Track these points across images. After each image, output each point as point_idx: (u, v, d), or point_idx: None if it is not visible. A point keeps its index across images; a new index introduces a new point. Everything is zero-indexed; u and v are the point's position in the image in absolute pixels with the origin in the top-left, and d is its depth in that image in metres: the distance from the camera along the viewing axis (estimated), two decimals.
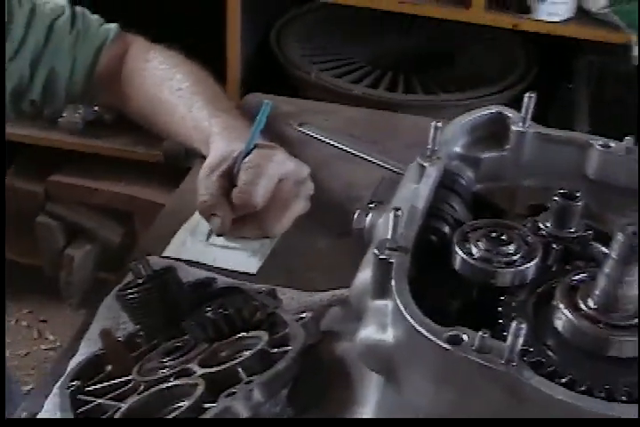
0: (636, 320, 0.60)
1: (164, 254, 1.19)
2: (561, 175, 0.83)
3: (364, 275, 0.71)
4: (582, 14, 1.97)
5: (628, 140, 0.80)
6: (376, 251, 0.67)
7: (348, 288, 1.05)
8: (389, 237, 0.67)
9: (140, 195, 2.29)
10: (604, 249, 0.74)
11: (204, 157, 1.23)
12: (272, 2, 2.08)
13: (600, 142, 0.81)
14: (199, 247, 1.22)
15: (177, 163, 2.17)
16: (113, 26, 1.31)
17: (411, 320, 0.61)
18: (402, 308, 0.62)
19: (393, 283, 0.64)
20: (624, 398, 0.58)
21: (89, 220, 2.37)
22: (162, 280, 0.94)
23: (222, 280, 1.06)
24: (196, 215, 1.27)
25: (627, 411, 0.56)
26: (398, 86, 2.15)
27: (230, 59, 2.07)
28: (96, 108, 2.25)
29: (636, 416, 0.56)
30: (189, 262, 1.16)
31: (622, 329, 0.60)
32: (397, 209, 0.66)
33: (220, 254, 1.20)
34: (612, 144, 0.81)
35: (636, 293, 0.60)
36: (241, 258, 1.19)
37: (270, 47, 2.16)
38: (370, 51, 2.29)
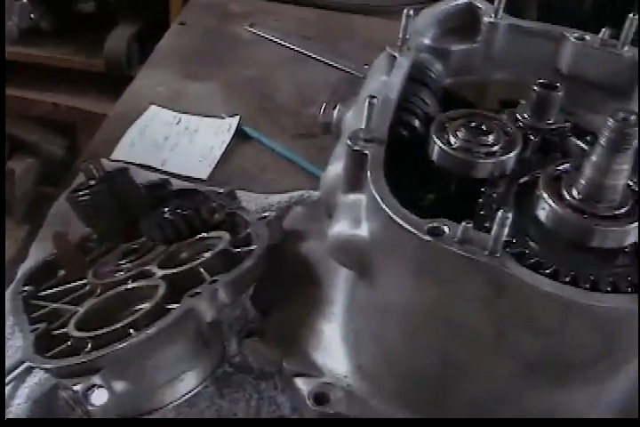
0: (622, 210, 0.58)
1: (113, 157, 1.15)
2: (533, 69, 0.80)
3: (335, 169, 0.68)
4: None
5: (604, 31, 0.78)
6: (349, 142, 0.64)
7: (305, 190, 1.03)
8: (363, 127, 0.64)
9: (81, 106, 2.21)
10: (579, 143, 0.72)
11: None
12: None
13: (575, 35, 0.78)
14: (148, 150, 1.18)
15: (118, 72, 2.10)
16: None
17: (389, 212, 0.59)
18: (379, 199, 0.59)
19: (369, 175, 0.61)
20: (609, 288, 0.56)
21: (30, 133, 2.29)
22: (115, 181, 0.90)
23: (177, 182, 1.03)
24: (145, 117, 1.23)
25: (610, 300, 0.55)
26: None
27: None
28: (32, 15, 2.15)
29: (619, 306, 0.55)
30: (136, 165, 1.12)
31: (607, 219, 0.58)
32: (373, 97, 0.63)
33: (169, 157, 1.16)
34: (588, 37, 0.78)
35: (623, 182, 0.58)
36: (191, 162, 1.16)
37: None
38: None
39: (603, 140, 0.56)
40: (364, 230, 0.64)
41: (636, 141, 0.56)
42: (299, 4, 1.55)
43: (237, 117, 1.21)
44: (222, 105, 1.24)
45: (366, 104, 0.63)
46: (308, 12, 1.50)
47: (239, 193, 0.95)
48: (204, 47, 1.38)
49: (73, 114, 2.25)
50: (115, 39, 2.12)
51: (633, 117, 0.55)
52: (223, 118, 1.22)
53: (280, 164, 1.14)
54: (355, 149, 0.63)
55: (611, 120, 0.56)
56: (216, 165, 1.14)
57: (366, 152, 0.63)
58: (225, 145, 1.17)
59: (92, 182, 0.90)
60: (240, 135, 1.19)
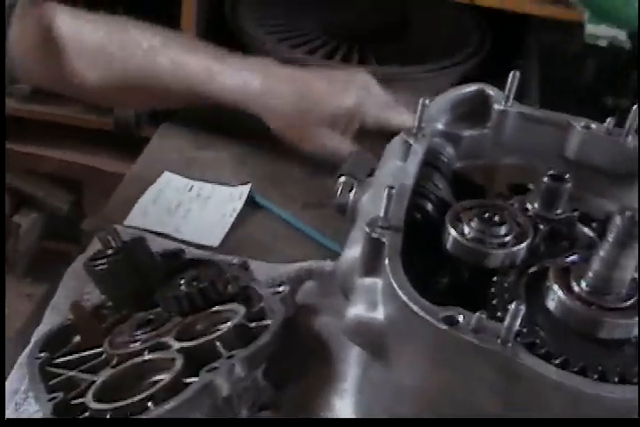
0: (629, 302, 0.61)
1: (126, 223, 1.17)
2: (541, 155, 0.83)
3: (352, 252, 0.71)
4: None
5: (609, 121, 0.81)
6: (368, 229, 0.67)
7: (316, 260, 1.06)
8: (381, 215, 0.67)
9: (89, 163, 2.25)
10: (587, 231, 0.75)
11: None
12: None
13: (581, 123, 0.82)
14: (161, 217, 1.20)
15: (128, 131, 2.14)
16: None
17: (406, 299, 0.61)
18: (396, 287, 0.62)
19: (386, 262, 0.64)
20: (616, 378, 0.59)
21: (37, 188, 2.33)
22: (132, 251, 0.93)
23: (191, 251, 1.05)
24: (158, 184, 1.26)
25: (619, 391, 0.57)
26: (352, 57, 2.15)
27: (185, 28, 2.04)
28: None
29: (626, 397, 0.57)
30: (149, 231, 1.15)
31: (615, 311, 0.61)
32: (391, 188, 0.66)
33: (181, 224, 1.19)
34: (593, 125, 0.82)
35: (630, 276, 0.61)
36: (203, 229, 1.18)
37: (225, 17, 2.12)
38: (325, 21, 2.27)
39: (610, 237, 0.60)
40: (380, 314, 0.66)
41: None
42: None
43: (248, 186, 1.24)
44: (234, 173, 1.28)
45: (385, 194, 0.66)
46: None
47: (251, 262, 0.97)
48: (217, 114, 1.42)
49: (80, 170, 2.29)
50: None
51: None
52: (235, 186, 1.25)
53: (290, 232, 1.17)
54: (373, 236, 0.66)
55: (618, 218, 0.59)
56: (227, 232, 1.17)
57: (384, 240, 0.66)
58: (236, 213, 1.20)
59: (110, 251, 0.92)
60: (251, 203, 1.22)
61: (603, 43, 2.00)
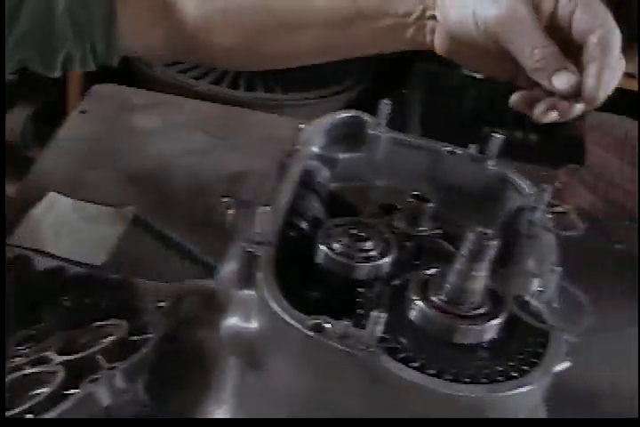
0: (480, 311, 0.67)
1: (11, 242, 1.18)
2: (411, 178, 0.89)
3: (230, 266, 0.75)
4: None
5: (473, 147, 0.88)
6: (244, 244, 0.71)
7: (200, 279, 1.09)
8: (256, 231, 0.71)
9: None
10: (449, 247, 0.81)
11: None
12: None
13: (448, 149, 0.88)
14: (46, 236, 1.22)
15: (13, 151, 2.13)
16: None
17: (277, 309, 0.66)
18: (268, 297, 0.67)
19: (259, 275, 0.69)
20: (468, 379, 0.64)
21: None
22: (16, 269, 0.94)
23: (73, 269, 1.07)
24: (43, 204, 1.27)
25: (470, 390, 0.63)
26: (240, 84, 2.20)
27: None
28: None
29: (476, 395, 0.63)
30: (32, 250, 1.16)
31: (468, 319, 0.67)
32: (265, 205, 0.71)
33: (64, 244, 1.21)
34: (459, 151, 0.88)
35: (481, 286, 0.67)
36: (86, 249, 1.20)
37: None
38: None
39: (464, 251, 0.65)
40: (254, 324, 0.71)
41: (493, 252, 0.65)
42: (200, 98, 1.63)
43: (134, 206, 1.27)
44: (120, 194, 1.30)
45: (259, 211, 0.71)
46: (206, 106, 1.58)
47: (134, 280, 1.00)
48: (104, 136, 1.44)
49: None
50: (11, 120, 2.16)
51: (490, 231, 0.65)
52: (121, 207, 1.27)
53: (173, 252, 1.20)
54: (248, 250, 0.70)
55: (471, 234, 0.65)
56: (112, 252, 1.19)
57: (258, 254, 0.70)
58: (121, 233, 1.23)
59: None
60: (136, 223, 1.24)
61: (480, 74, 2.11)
